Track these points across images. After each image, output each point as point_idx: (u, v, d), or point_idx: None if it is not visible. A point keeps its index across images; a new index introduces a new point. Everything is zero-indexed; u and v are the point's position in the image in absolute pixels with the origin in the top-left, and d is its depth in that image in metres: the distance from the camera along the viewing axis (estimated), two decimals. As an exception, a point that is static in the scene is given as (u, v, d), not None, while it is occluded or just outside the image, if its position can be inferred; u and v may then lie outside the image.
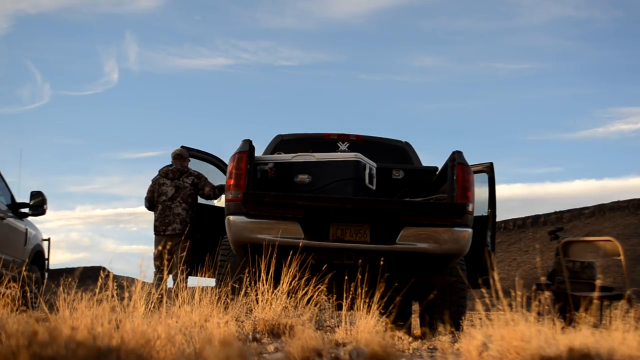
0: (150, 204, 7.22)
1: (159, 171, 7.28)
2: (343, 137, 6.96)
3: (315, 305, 4.48)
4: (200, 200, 7.28)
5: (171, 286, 6.19)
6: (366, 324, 3.75)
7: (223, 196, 7.05)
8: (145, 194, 7.25)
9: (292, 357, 2.83)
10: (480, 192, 6.27)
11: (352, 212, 5.28)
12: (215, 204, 7.43)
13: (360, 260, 5.12)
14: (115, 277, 3.23)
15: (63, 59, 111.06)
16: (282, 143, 6.90)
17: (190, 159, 7.40)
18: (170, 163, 7.33)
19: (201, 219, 7.18)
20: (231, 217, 5.29)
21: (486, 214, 6.51)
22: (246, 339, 3.58)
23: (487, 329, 2.84)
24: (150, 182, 7.28)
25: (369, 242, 5.27)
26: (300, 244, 4.83)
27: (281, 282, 4.28)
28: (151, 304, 3.28)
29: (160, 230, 7.06)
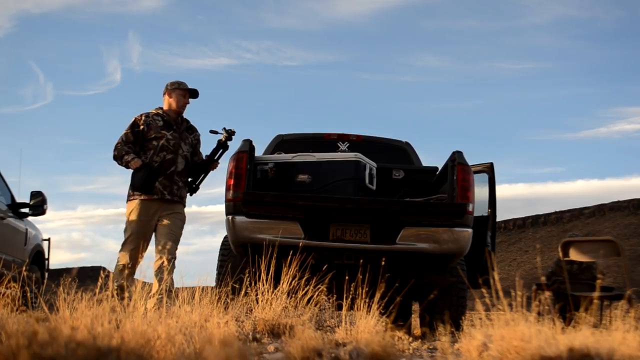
0: None
1: None
2: (343, 137, 6.94)
3: (315, 305, 4.47)
4: None
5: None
6: (366, 324, 3.74)
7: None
8: None
9: (292, 357, 2.83)
10: (480, 192, 6.26)
11: (352, 212, 5.28)
12: None
13: (360, 260, 5.12)
14: (115, 277, 3.22)
15: (66, 59, 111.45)
16: (283, 143, 6.89)
17: None
18: None
19: None
20: (231, 217, 5.29)
21: (486, 214, 6.51)
22: (246, 339, 3.57)
23: (487, 329, 2.84)
24: None
25: (369, 242, 5.27)
26: (301, 244, 4.82)
27: (281, 282, 4.28)
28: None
29: None
